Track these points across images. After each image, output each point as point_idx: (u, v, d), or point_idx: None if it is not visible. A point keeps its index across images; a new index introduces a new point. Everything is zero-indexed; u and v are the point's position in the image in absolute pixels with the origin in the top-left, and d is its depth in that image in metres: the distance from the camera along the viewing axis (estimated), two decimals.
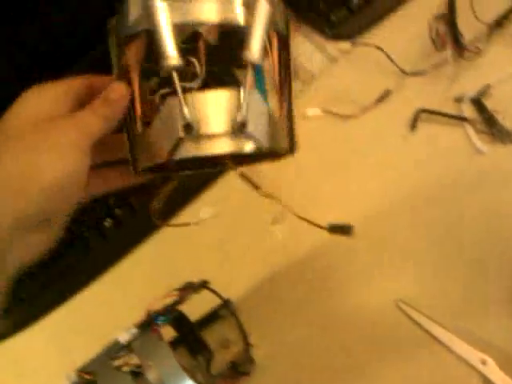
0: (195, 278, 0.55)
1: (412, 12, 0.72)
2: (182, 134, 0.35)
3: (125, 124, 0.41)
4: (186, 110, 0.35)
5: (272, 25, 0.38)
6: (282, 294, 0.61)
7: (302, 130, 0.67)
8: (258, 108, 0.37)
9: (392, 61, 0.68)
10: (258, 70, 0.38)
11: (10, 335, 0.68)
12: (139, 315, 0.53)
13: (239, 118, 0.36)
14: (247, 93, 0.36)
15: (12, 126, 0.37)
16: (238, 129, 0.36)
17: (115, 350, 0.52)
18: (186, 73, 0.37)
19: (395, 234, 0.61)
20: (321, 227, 0.44)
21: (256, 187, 0.44)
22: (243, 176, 0.44)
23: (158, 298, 0.54)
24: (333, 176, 0.66)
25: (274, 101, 0.41)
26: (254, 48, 0.37)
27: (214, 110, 0.36)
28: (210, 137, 0.36)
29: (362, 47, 0.70)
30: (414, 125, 0.65)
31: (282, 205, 0.45)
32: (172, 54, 0.35)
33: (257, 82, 0.39)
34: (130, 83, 0.39)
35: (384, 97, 0.67)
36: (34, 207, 0.36)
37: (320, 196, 0.65)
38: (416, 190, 0.62)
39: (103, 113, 0.38)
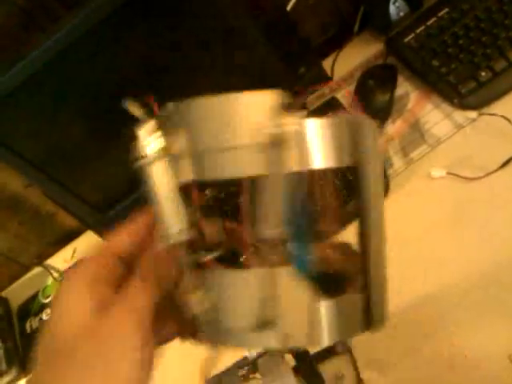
0: None
1: None
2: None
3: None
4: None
5: None
6: (396, 336, 0.65)
7: (426, 189, 0.74)
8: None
9: None
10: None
11: None
12: None
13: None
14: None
15: (59, 332, 0.30)
16: None
17: (243, 364, 0.61)
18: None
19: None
20: None
21: None
22: None
23: None
24: (456, 232, 0.70)
25: None
26: None
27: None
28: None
29: (489, 116, 0.75)
30: None
31: None
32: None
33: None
34: None
35: (508, 162, 0.70)
36: None
37: (443, 250, 0.69)
38: None
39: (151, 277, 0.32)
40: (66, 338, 0.30)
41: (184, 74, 0.71)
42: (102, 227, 0.86)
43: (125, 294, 0.31)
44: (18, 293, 1.02)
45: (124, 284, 0.32)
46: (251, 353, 0.61)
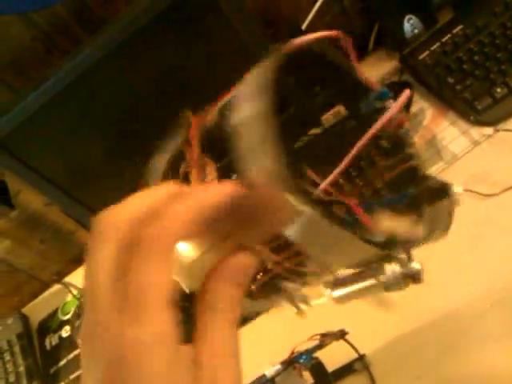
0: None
1: None
2: None
3: None
4: None
5: None
6: (417, 351, 0.65)
7: None
8: None
9: None
10: None
11: None
12: (285, 354, 0.61)
13: None
14: None
15: None
16: None
17: (261, 382, 0.61)
18: None
19: None
20: None
21: None
22: None
23: (302, 341, 0.62)
24: (475, 249, 0.69)
25: None
26: None
27: None
28: None
29: (505, 132, 0.75)
30: None
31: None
32: None
33: None
34: None
35: None
36: None
37: (463, 266, 0.68)
38: None
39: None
40: None
41: (199, 95, 0.72)
42: None
43: None
44: (37, 310, 1.04)
45: None
46: (270, 370, 0.61)
